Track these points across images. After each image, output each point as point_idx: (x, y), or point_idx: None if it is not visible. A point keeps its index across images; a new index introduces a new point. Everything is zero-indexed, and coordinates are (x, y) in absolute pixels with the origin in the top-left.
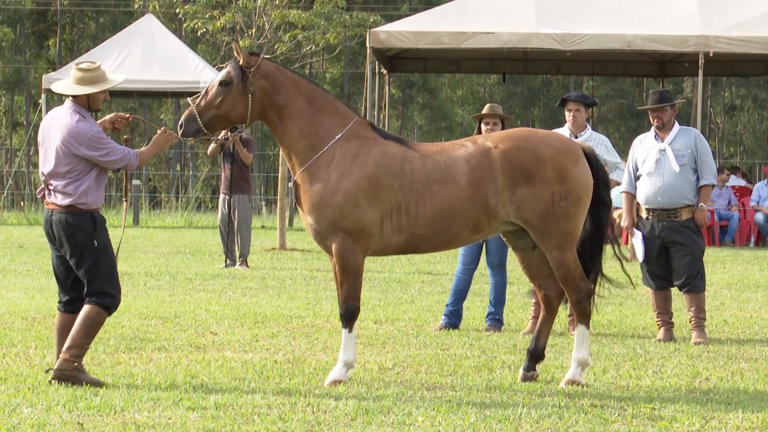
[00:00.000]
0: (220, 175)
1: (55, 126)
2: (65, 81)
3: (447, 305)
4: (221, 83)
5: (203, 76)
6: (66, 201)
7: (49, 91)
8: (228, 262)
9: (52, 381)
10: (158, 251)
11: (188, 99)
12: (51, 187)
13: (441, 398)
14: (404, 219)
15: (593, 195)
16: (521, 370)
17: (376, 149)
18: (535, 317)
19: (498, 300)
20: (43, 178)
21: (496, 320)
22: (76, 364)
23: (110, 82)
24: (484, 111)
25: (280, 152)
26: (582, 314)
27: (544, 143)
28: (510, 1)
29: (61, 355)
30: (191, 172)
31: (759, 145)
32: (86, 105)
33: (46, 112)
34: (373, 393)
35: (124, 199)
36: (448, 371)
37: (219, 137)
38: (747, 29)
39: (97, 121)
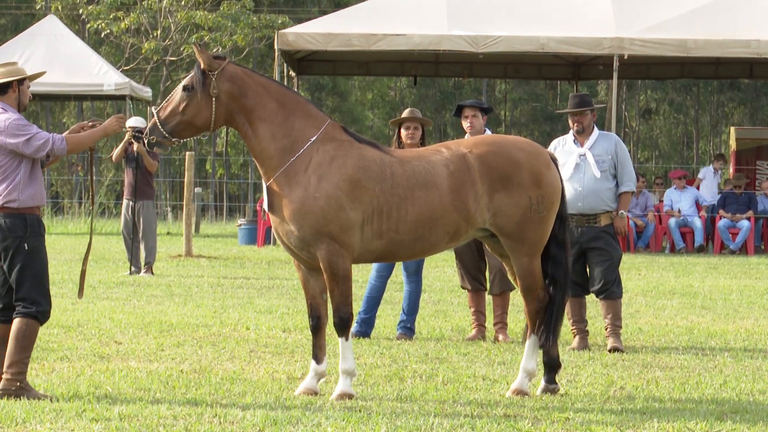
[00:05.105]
0: (124, 180)
1: None
2: None
3: (359, 313)
4: (184, 88)
5: (107, 78)
6: None
7: None
8: (133, 269)
9: None
10: (61, 258)
11: (152, 108)
12: None
13: (351, 408)
14: (385, 224)
15: None
16: (543, 382)
17: (354, 152)
18: (480, 325)
19: (411, 308)
20: None
21: (407, 329)
22: (19, 383)
23: (30, 73)
24: (404, 115)
25: (186, 157)
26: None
27: (517, 147)
28: (421, 2)
29: (3, 375)
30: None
31: (675, 150)
32: (15, 105)
33: None
34: (282, 403)
35: (91, 206)
36: (359, 381)
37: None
38: (662, 31)
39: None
